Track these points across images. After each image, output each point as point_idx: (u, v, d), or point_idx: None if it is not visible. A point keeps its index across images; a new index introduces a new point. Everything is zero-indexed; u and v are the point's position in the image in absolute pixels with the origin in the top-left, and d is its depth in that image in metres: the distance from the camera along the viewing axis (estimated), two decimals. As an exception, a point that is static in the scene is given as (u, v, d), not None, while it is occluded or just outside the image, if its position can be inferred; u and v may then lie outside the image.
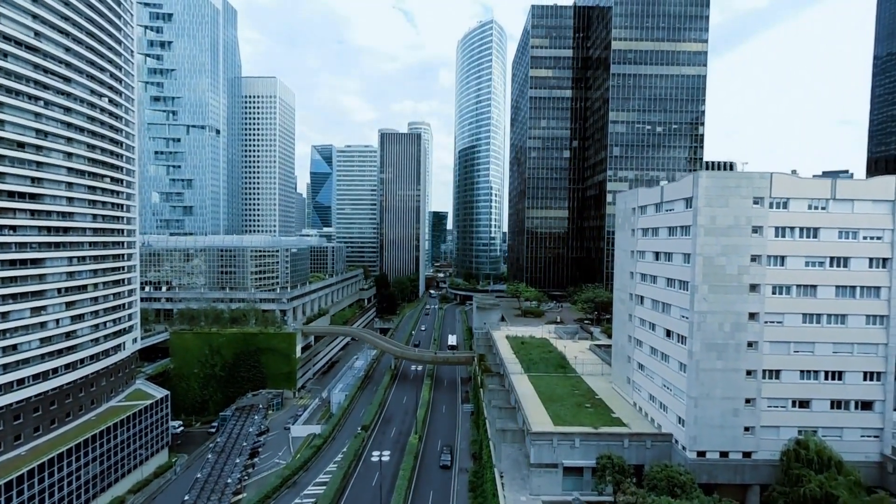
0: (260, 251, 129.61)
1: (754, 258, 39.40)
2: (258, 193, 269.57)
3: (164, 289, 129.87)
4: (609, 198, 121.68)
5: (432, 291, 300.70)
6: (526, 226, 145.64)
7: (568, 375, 64.77)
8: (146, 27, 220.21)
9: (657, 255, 47.17)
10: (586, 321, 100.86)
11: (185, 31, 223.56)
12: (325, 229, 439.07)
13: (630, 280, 53.41)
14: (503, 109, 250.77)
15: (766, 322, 39.65)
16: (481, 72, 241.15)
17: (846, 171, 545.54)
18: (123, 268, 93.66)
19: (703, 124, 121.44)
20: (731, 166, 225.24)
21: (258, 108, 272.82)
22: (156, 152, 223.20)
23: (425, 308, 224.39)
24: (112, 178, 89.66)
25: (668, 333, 44.51)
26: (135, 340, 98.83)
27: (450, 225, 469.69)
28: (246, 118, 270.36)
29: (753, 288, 39.52)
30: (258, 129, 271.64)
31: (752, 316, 39.64)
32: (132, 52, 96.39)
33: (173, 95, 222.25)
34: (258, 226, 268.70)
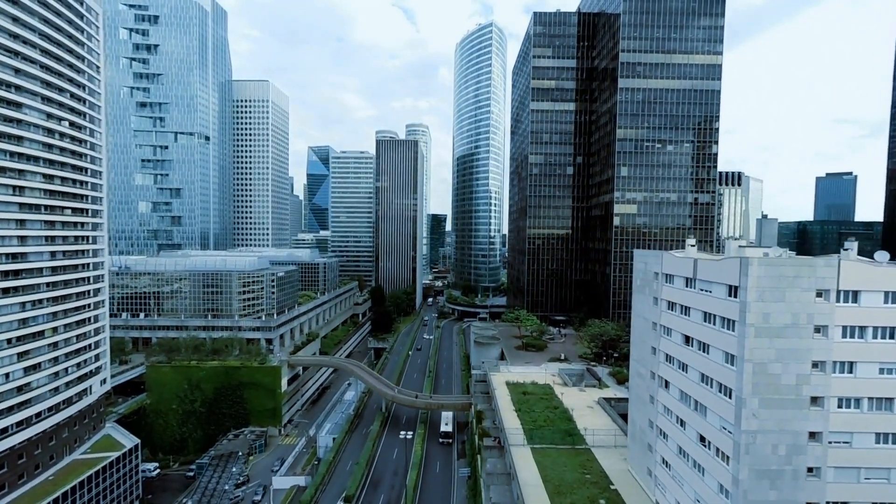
0: (246, 275, 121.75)
1: (816, 364, 31.78)
2: (250, 202, 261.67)
3: (141, 315, 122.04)
4: (616, 221, 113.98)
5: (430, 300, 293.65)
6: (527, 245, 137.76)
7: (576, 448, 57.22)
8: (131, 30, 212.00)
9: (688, 339, 39.48)
10: (592, 363, 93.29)
11: (172, 33, 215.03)
12: (322, 232, 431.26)
13: (652, 356, 45.76)
14: (503, 111, 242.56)
15: (830, 443, 32.06)
16: (480, 78, 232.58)
17: (849, 173, 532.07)
18: (89, 305, 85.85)
19: (716, 143, 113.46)
20: (739, 177, 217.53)
21: (250, 112, 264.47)
22: (142, 160, 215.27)
23: (423, 320, 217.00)
24: (74, 209, 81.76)
25: (703, 439, 36.93)
26: (103, 382, 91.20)
27: (449, 226, 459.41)
28: (237, 123, 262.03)
29: (815, 401, 31.92)
30: (250, 135, 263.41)
31: (813, 436, 32.06)
32: (98, 67, 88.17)
33: (160, 101, 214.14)
34: (251, 236, 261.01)
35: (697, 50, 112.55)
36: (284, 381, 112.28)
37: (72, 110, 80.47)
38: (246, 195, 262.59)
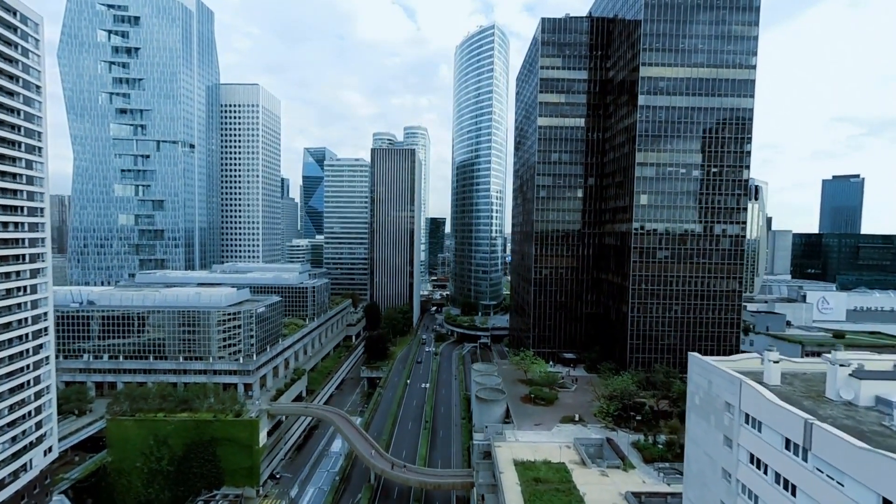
0: (220, 312, 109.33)
1: None
2: (240, 212, 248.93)
3: (105, 357, 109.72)
4: (635, 255, 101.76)
5: (433, 308, 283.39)
6: (533, 275, 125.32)
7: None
8: (109, 31, 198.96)
9: (791, 528, 27.36)
10: (611, 426, 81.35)
11: (154, 36, 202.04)
12: (318, 237, 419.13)
13: (721, 513, 33.65)
14: (505, 117, 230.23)
15: None
16: (480, 84, 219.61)
17: (857, 176, 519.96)
18: (27, 366, 73.56)
19: (748, 167, 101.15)
20: (757, 190, 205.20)
21: (239, 118, 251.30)
22: (122, 170, 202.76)
23: (421, 339, 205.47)
24: (4, 258, 69.42)
25: None
26: (48, 451, 79.05)
27: (448, 227, 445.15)
28: (225, 129, 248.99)
29: None
30: (239, 141, 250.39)
31: None
32: (38, 87, 75.48)
33: (141, 108, 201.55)
34: (240, 248, 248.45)
35: (728, 63, 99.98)
36: (263, 434, 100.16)
37: (1, 140, 68.02)
38: (235, 206, 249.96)
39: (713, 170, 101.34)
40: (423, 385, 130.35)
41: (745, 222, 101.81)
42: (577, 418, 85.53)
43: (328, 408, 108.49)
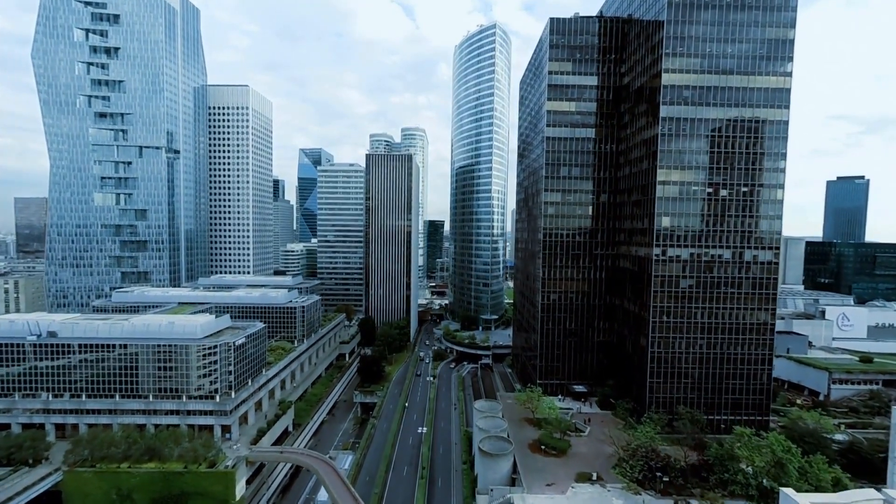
0: (195, 345, 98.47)
1: None
2: (228, 220, 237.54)
3: (67, 395, 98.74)
4: (656, 284, 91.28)
5: (430, 318, 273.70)
6: (540, 300, 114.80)
7: None
8: (87, 30, 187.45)
9: None
10: (634, 490, 70.94)
11: (135, 35, 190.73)
12: (314, 241, 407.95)
13: None
14: (507, 118, 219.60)
15: None
16: (480, 86, 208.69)
17: (861, 177, 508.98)
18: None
19: (782, 187, 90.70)
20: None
21: (228, 121, 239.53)
22: (102, 178, 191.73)
23: (418, 356, 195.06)
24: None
25: None
26: (-15, 523, 68.47)
27: (447, 228, 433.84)
28: (213, 133, 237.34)
29: None
30: (228, 146, 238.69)
31: None
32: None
33: (122, 111, 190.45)
34: (230, 258, 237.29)
35: (760, 70, 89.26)
36: (241, 485, 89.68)
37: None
38: (224, 212, 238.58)
39: (743, 189, 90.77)
40: (420, 429, 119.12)
41: (778, 248, 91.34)
42: (594, 477, 75.18)
43: (310, 453, 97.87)
